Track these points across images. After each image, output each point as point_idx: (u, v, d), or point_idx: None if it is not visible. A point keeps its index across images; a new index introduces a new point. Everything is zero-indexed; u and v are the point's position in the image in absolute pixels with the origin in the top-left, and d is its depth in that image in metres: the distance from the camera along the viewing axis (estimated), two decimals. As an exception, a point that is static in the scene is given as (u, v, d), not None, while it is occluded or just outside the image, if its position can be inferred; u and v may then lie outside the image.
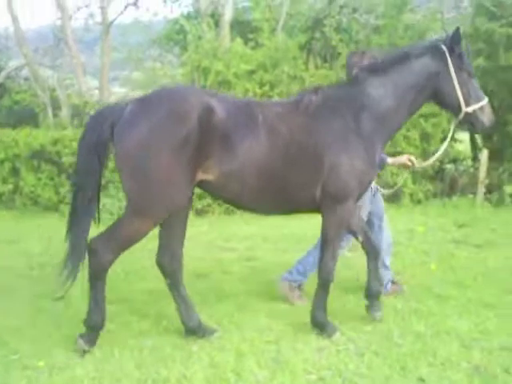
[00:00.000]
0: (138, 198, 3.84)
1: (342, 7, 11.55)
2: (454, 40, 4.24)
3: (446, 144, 4.84)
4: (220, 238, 7.94)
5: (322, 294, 4.42)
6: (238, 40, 10.72)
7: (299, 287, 5.29)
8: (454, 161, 11.76)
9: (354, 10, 11.77)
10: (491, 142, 12.56)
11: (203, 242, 7.64)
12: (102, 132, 3.87)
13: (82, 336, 4.09)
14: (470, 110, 4.32)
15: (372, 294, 4.59)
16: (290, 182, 4.06)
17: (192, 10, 13.31)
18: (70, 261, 3.98)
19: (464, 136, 13.13)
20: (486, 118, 4.41)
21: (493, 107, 4.59)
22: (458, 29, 4.27)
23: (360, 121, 4.17)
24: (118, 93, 15.19)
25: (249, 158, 3.89)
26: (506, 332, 4.49)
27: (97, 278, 3.96)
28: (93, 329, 4.10)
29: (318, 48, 11.11)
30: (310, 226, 6.73)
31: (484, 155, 10.68)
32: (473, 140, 12.90)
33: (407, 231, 8.13)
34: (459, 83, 4.27)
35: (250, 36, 11.29)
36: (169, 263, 4.33)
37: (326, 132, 4.07)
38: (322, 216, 4.28)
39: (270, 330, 4.55)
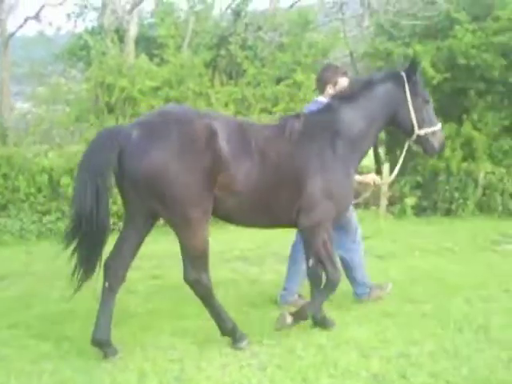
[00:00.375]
0: (180, 217, 4.09)
1: (247, 25, 11.69)
2: (412, 69, 4.71)
3: (400, 163, 5.24)
4: (126, 257, 7.74)
5: (326, 291, 4.77)
6: (143, 56, 10.65)
7: (299, 296, 5.54)
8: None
9: (259, 28, 11.94)
10: (393, 155, 13.07)
11: (108, 261, 7.43)
12: (110, 156, 3.94)
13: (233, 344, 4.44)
14: (421, 132, 4.75)
15: (300, 315, 4.73)
16: (276, 200, 4.38)
17: (96, 25, 13.11)
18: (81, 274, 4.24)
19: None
20: (437, 142, 4.87)
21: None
22: (414, 60, 4.86)
23: (336, 146, 4.49)
24: (21, 108, 14.63)
25: (246, 178, 4.18)
26: (404, 340, 4.64)
27: (210, 300, 4.37)
28: (230, 333, 4.47)
29: (223, 65, 11.19)
30: (218, 242, 6.72)
31: (386, 168, 11.06)
32: (376, 154, 13.37)
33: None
34: (414, 107, 4.68)
35: (156, 52, 11.24)
36: (115, 268, 4.41)
37: (306, 157, 4.39)
38: (302, 236, 4.68)
39: (174, 349, 4.49)
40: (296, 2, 13.06)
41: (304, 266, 4.93)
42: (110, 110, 9.97)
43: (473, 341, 4.65)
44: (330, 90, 5.19)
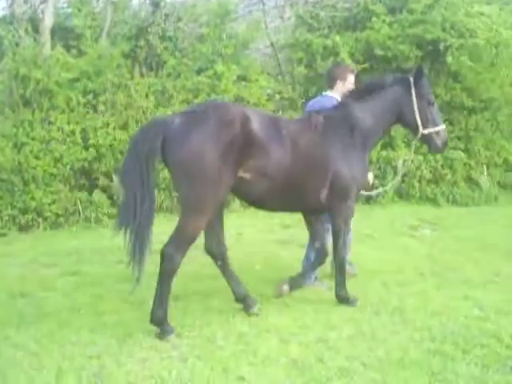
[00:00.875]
0: (195, 198, 4.42)
1: (166, 15, 11.50)
2: (418, 74, 5.23)
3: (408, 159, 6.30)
4: (44, 254, 7.47)
5: (340, 275, 5.27)
6: (59, 47, 10.31)
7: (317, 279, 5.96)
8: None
9: (179, 19, 11.79)
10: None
11: (25, 259, 7.19)
12: (154, 144, 4.35)
13: (158, 334, 4.51)
14: (426, 132, 5.29)
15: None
16: (305, 184, 4.90)
17: (7, 13, 12.55)
18: (136, 262, 4.41)
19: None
20: (441, 141, 5.39)
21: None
22: (420, 66, 5.32)
23: (353, 137, 5.11)
24: None
25: (279, 162, 4.64)
26: (322, 325, 4.75)
27: (168, 279, 4.50)
28: (158, 323, 4.52)
29: (142, 56, 10.97)
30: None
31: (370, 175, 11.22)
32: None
33: (237, 235, 8.29)
34: (418, 108, 5.23)
35: (73, 43, 10.92)
36: (216, 248, 5.03)
37: (331, 146, 4.97)
38: (330, 214, 5.20)
39: (94, 345, 4.42)
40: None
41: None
42: (26, 102, 9.60)
43: (389, 323, 4.81)
44: (339, 86, 5.72)
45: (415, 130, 5.34)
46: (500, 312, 5.06)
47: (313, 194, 4.97)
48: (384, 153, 11.60)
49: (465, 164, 12.32)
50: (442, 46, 11.16)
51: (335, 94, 5.71)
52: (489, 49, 11.92)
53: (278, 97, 12.57)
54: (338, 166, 4.95)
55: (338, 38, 11.50)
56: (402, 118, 5.36)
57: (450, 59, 11.15)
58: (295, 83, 12.44)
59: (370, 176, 5.89)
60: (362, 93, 5.29)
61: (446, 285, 5.89)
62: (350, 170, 5.01)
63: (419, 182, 11.59)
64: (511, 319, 4.90)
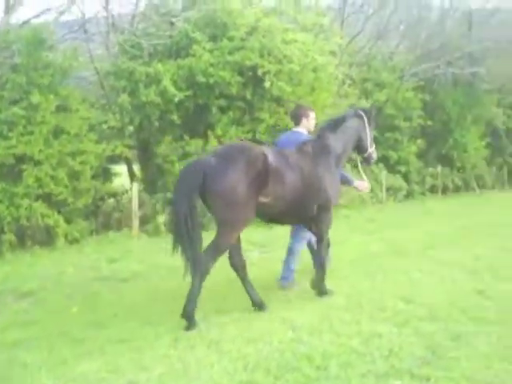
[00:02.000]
0: (231, 220, 5.54)
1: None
2: (368, 111, 6.95)
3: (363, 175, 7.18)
4: None
5: (321, 272, 6.42)
6: None
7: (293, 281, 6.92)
8: (113, 195, 11.84)
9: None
10: (146, 173, 13.05)
11: None
12: (197, 179, 5.42)
13: (186, 327, 5.41)
14: (370, 150, 6.89)
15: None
16: (307, 200, 6.11)
17: None
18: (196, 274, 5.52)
19: (121, 169, 13.40)
20: (375, 155, 7.07)
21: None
22: (372, 105, 7.61)
23: (330, 160, 6.36)
24: None
25: (290, 186, 5.85)
26: (134, 366, 4.51)
27: (200, 282, 5.54)
28: (188, 317, 5.44)
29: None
30: None
31: (135, 188, 10.97)
32: (131, 173, 13.26)
33: (57, 274, 7.84)
34: (369, 134, 6.80)
35: None
36: (239, 262, 6.05)
37: (320, 169, 6.20)
38: (316, 223, 6.38)
39: None
40: (30, 19, 12.23)
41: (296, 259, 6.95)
42: None
43: (204, 357, 4.67)
44: (304, 122, 6.91)
45: (365, 150, 6.86)
46: (313, 332, 5.14)
47: (310, 208, 6.19)
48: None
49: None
50: (260, 72, 11.45)
51: (302, 129, 6.92)
52: (307, 74, 12.48)
53: (105, 126, 12.25)
54: (325, 184, 6.21)
55: (160, 65, 11.42)
56: (359, 142, 6.79)
57: (268, 85, 11.49)
58: (122, 112, 12.17)
59: (366, 184, 7.25)
60: (333, 126, 6.55)
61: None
62: (331, 186, 6.31)
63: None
64: (322, 338, 4.99)
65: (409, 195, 18.10)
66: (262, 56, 11.56)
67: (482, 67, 20.07)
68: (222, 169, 5.44)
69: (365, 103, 15.12)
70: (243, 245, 9.22)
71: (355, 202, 14.54)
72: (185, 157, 11.76)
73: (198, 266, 5.45)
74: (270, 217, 6.13)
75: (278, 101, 12.70)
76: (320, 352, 4.66)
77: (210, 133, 12.05)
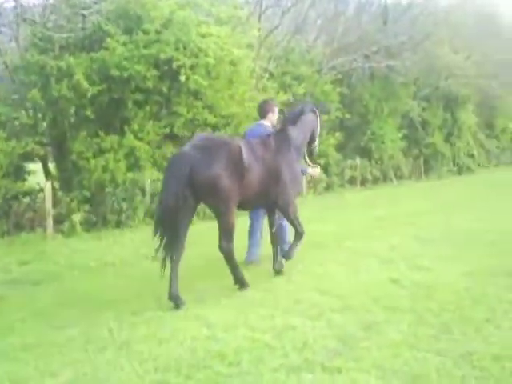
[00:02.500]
0: (224, 204, 6.13)
1: None
2: (319, 106, 7.87)
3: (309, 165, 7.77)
4: None
5: (298, 242, 7.12)
6: None
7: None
8: (27, 194, 11.38)
9: None
10: (62, 171, 12.61)
11: None
12: (184, 170, 5.92)
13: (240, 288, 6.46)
14: (316, 143, 7.67)
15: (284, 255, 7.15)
16: (269, 188, 6.67)
17: None
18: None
19: (36, 167, 12.92)
20: (317, 147, 7.86)
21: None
22: (322, 103, 9.10)
23: (290, 151, 6.99)
24: None
25: (257, 175, 6.43)
26: (40, 373, 4.32)
27: (233, 260, 6.35)
28: (240, 282, 6.48)
29: None
30: None
31: (48, 186, 10.60)
32: (46, 170, 12.80)
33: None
34: (318, 129, 7.62)
35: None
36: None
37: (281, 159, 6.79)
38: (280, 208, 7.00)
39: None
40: None
41: (258, 236, 7.97)
42: None
43: (114, 359, 4.53)
44: (270, 116, 7.68)
45: (313, 142, 7.57)
46: (228, 328, 5.10)
47: (271, 195, 6.76)
48: (130, 174, 11.45)
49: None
50: (175, 66, 11.28)
51: (267, 122, 7.66)
52: (224, 67, 12.42)
53: (17, 123, 11.76)
54: (285, 173, 6.78)
55: (71, 59, 11.06)
56: (312, 134, 7.49)
57: (183, 78, 11.34)
58: (35, 108, 11.73)
59: (318, 170, 8.18)
60: (292, 119, 7.27)
61: (182, 306, 5.80)
62: (292, 175, 6.89)
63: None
64: (237, 334, 4.95)
65: (328, 187, 18.33)
66: (177, 49, 11.36)
67: (397, 61, 20.62)
68: (208, 161, 6.03)
69: (284, 97, 15.21)
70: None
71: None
72: (101, 153, 11.48)
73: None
74: (240, 203, 6.48)
75: (196, 94, 12.58)
76: (233, 348, 4.62)
77: (126, 128, 11.80)
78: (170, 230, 6.01)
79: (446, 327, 4.98)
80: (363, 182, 20.28)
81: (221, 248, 6.21)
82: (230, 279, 6.45)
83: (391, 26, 21.82)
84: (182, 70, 11.33)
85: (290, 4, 19.36)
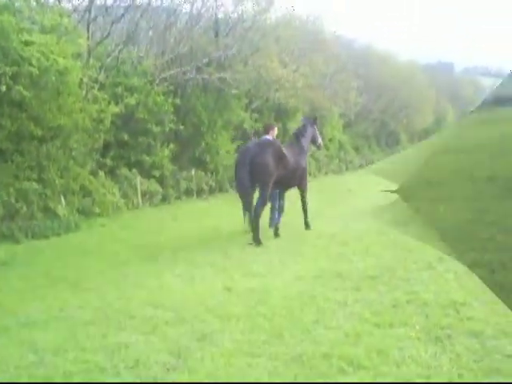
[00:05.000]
0: (266, 181, 9.82)
1: None
2: (315, 120, 12.11)
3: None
4: None
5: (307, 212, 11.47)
6: None
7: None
8: None
9: None
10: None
11: None
12: (247, 159, 9.79)
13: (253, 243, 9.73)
14: (320, 141, 12.19)
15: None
16: (294, 175, 10.69)
17: None
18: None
19: None
20: (322, 143, 12.73)
21: None
22: (316, 116, 12.80)
23: (302, 154, 11.06)
24: None
25: (289, 164, 10.30)
26: None
27: (258, 220, 9.75)
28: (257, 242, 9.60)
29: None
30: None
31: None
32: None
33: None
34: (318, 133, 12.02)
35: None
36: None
37: (300, 159, 10.88)
38: (301, 189, 11.29)
39: None
40: None
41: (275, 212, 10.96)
42: None
43: None
44: (271, 132, 10.73)
45: (317, 141, 11.95)
46: (57, 352, 4.80)
47: (295, 181, 10.90)
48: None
49: (40, 194, 12.02)
50: (-6, 75, 10.58)
51: (269, 136, 10.60)
52: (50, 77, 11.83)
53: None
54: (301, 168, 10.91)
55: None
56: (313, 139, 11.71)
57: (3, 88, 10.64)
58: None
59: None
60: (301, 132, 11.36)
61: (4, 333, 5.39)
62: (305, 171, 11.23)
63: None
64: (67, 357, 4.68)
65: (165, 199, 18.14)
66: (-4, 57, 10.67)
67: (228, 73, 21.00)
68: (260, 153, 9.77)
69: (115, 108, 14.87)
70: None
71: (109, 209, 14.18)
72: None
73: (254, 213, 9.76)
74: (277, 181, 10.09)
75: (20, 105, 11.86)
76: (62, 372, 4.36)
77: None
78: (243, 197, 9.89)
79: (277, 331, 5.08)
80: (199, 193, 20.33)
81: (255, 209, 9.77)
82: (58, 301, 6.11)
83: (222, 39, 22.18)
84: (3, 79, 10.62)
85: (121, 13, 18.96)
